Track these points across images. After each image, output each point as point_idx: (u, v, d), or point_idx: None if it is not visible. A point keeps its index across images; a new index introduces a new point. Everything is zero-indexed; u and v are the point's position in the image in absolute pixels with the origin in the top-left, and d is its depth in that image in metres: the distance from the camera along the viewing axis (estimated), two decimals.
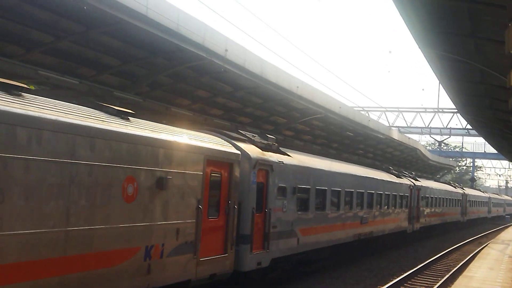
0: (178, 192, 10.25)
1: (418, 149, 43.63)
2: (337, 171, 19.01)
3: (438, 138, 57.84)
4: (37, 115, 7.46)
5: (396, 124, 51.21)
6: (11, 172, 7.01)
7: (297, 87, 21.14)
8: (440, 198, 37.55)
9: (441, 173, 65.68)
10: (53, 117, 7.72)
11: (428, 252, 27.54)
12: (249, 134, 14.66)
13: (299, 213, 15.66)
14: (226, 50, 15.88)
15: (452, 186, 46.35)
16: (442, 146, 64.68)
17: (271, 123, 26.19)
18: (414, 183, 30.33)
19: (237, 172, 12.39)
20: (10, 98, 7.42)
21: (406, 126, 51.61)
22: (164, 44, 14.34)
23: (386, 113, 52.21)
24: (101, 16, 12.25)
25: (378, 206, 23.53)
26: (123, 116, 9.64)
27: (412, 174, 34.65)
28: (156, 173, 9.60)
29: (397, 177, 27.69)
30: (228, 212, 11.99)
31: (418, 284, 18.22)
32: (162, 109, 18.57)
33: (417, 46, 11.51)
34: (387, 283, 17.09)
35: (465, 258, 24.61)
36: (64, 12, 12.23)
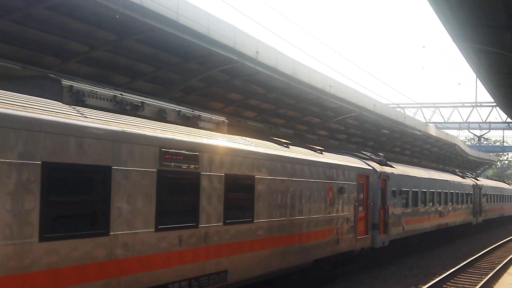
0: (347, 196, 16.26)
1: (456, 144, 42.72)
2: (423, 176, 24.95)
3: (477, 132, 56.48)
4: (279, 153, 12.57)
5: (433, 120, 50.29)
6: (261, 186, 11.63)
7: (330, 86, 21.00)
8: (497, 194, 42.45)
9: (481, 168, 64.08)
10: (273, 152, 12.36)
11: (470, 249, 26.94)
12: (368, 154, 20.73)
13: (403, 208, 21.68)
14: (257, 52, 15.91)
15: (506, 183, 49.82)
16: (481, 141, 63.12)
17: (305, 123, 26.09)
18: (476, 182, 35.36)
19: (370, 181, 18.39)
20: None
21: (443, 121, 50.61)
22: (195, 49, 14.46)
23: (422, 109, 51.34)
24: (133, 24, 12.45)
25: (451, 202, 28.90)
26: (286, 145, 13.83)
27: (473, 174, 39.52)
28: (339, 184, 15.69)
29: (462, 177, 33.03)
30: (368, 208, 18.06)
31: (461, 283, 17.81)
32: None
33: (452, 40, 11.27)
34: (428, 282, 16.77)
35: (511, 255, 23.95)
36: (98, 22, 12.48)
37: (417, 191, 23.41)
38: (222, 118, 11.68)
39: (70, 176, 7.28)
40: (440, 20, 10.02)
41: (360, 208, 17.27)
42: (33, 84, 8.17)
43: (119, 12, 11.52)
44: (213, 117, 11.41)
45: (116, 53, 14.19)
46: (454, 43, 11.54)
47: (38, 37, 12.64)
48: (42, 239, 6.79)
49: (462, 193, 31.48)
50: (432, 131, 36.06)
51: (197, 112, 10.89)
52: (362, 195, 17.49)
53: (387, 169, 20.18)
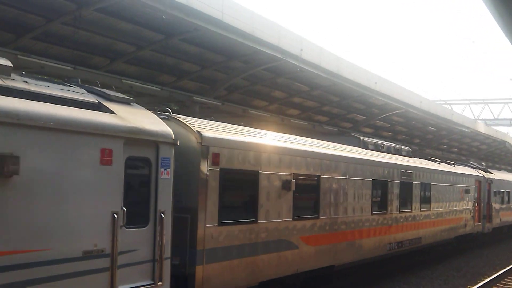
0: (470, 195, 23.59)
1: (507, 141, 41.36)
2: (507, 179, 31.75)
3: None
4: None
5: (482, 116, 48.80)
6: (435, 188, 19.05)
7: (375, 83, 20.72)
8: None
9: None
10: (438, 168, 20.37)
11: None
12: (475, 164, 28.66)
13: (500, 204, 28.98)
14: (301, 50, 15.87)
15: None
16: None
17: (349, 120, 25.85)
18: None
19: (481, 184, 25.69)
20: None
21: (493, 118, 49.07)
22: (240, 47, 14.56)
23: (471, 105, 49.93)
24: (179, 24, 12.65)
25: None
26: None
27: None
28: (465, 187, 22.95)
29: None
30: (480, 203, 25.37)
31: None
32: (239, 111, 18.86)
33: (504, 34, 10.93)
34: (478, 283, 16.35)
35: None
36: (145, 22, 12.74)
37: (510, 191, 31.23)
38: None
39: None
40: (492, 14, 9.74)
41: (476, 204, 24.62)
42: (345, 138, 15.85)
43: (166, 13, 11.73)
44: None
45: (162, 52, 14.45)
46: (505, 37, 11.19)
47: (87, 38, 13.02)
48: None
49: None
50: (481, 128, 35.03)
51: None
52: (476, 194, 24.84)
53: (490, 175, 27.83)
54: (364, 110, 24.34)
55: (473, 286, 15.88)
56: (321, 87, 19.65)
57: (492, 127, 41.50)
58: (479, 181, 25.44)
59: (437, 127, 30.45)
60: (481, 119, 46.35)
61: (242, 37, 13.77)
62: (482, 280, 16.86)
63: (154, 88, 15.34)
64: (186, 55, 15.09)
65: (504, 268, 19.45)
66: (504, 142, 40.83)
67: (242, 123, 13.10)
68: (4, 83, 6.27)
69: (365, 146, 15.86)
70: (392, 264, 17.42)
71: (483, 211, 25.90)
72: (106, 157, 6.79)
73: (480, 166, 29.00)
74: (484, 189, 26.11)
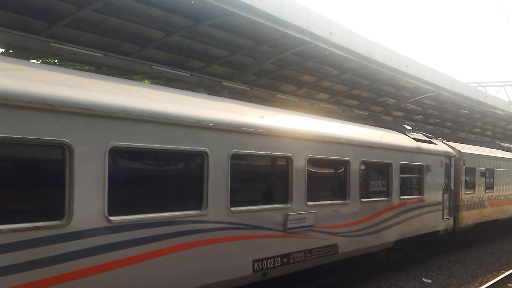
0: None
1: None
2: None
3: None
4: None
5: None
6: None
7: (406, 65, 20.39)
8: None
9: None
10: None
11: None
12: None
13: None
14: (331, 33, 15.71)
15: None
16: None
17: (379, 104, 25.56)
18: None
19: None
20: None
21: None
22: (268, 32, 14.51)
23: (506, 87, 48.66)
24: (208, 9, 12.66)
25: None
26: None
27: None
28: None
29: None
30: None
31: None
32: (268, 96, 18.85)
33: None
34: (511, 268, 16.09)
35: None
36: (174, 8, 12.80)
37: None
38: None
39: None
40: None
41: None
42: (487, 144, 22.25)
43: None
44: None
45: (191, 38, 14.51)
46: None
47: (117, 25, 13.16)
48: None
49: None
50: None
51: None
52: None
53: None
54: (395, 93, 24.01)
55: (507, 271, 15.64)
56: (351, 70, 19.45)
57: None
58: None
59: (470, 110, 29.85)
60: None
61: (271, 21, 13.71)
62: None
63: (184, 74, 15.45)
64: (215, 40, 15.11)
65: None
66: None
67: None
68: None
69: (508, 149, 23.46)
70: (422, 249, 17.27)
71: None
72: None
73: None
74: None
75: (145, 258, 6.44)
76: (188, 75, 15.61)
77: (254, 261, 8.23)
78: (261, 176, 9.09)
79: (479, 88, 42.35)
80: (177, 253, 6.84)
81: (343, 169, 10.69)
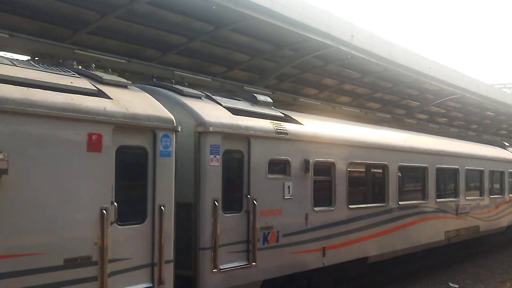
0: None
1: None
2: None
3: None
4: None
5: None
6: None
7: (429, 67, 20.18)
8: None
9: None
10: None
11: None
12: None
13: None
14: (352, 36, 15.64)
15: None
16: None
17: (402, 107, 25.33)
18: None
19: None
20: None
21: None
22: (289, 36, 14.51)
23: None
24: (228, 14, 12.72)
25: None
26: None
27: None
28: None
29: None
30: None
31: None
32: (290, 100, 18.82)
33: None
34: None
35: None
36: (195, 14, 12.89)
37: None
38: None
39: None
40: None
41: None
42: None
43: (215, 3, 11.82)
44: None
45: (212, 43, 14.59)
46: None
47: (140, 31, 13.31)
48: None
49: None
50: None
51: None
52: None
53: None
54: (418, 96, 23.77)
55: None
56: (373, 73, 19.32)
57: None
58: None
59: (496, 111, 29.39)
60: None
61: (292, 25, 13.71)
62: None
63: (205, 78, 15.52)
64: (236, 45, 15.16)
65: None
66: None
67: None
68: None
69: None
70: (448, 254, 17.03)
71: None
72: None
73: None
74: None
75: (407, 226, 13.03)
76: (210, 79, 15.69)
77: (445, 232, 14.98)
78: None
79: (504, 89, 41.66)
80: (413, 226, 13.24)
81: (494, 176, 18.44)
